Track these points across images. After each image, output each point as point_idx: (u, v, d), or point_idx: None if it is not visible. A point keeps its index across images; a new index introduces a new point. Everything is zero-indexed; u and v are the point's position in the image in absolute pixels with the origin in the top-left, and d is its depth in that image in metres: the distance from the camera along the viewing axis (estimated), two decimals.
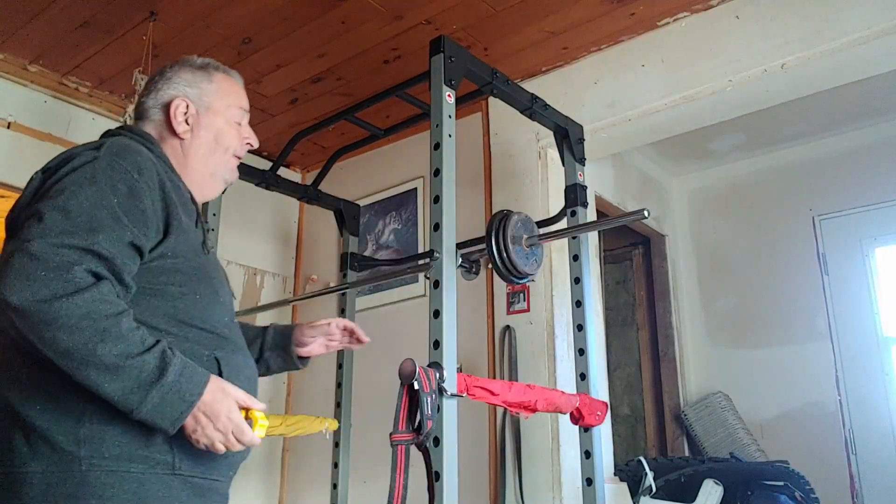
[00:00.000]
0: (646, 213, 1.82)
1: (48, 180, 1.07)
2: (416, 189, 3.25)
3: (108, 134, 1.25)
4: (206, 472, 1.08)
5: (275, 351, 1.46)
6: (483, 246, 1.98)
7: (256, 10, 2.49)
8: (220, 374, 1.09)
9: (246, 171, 2.54)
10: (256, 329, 1.49)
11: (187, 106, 1.27)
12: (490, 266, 2.05)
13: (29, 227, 0.98)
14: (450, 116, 1.77)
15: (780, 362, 3.55)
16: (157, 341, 0.99)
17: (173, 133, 1.27)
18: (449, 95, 1.79)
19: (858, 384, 3.32)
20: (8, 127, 2.91)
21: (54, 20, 2.56)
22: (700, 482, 2.75)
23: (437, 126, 1.76)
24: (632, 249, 4.20)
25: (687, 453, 3.66)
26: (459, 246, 1.76)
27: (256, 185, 2.62)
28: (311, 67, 2.85)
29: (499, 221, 1.95)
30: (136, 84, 2.43)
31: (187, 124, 1.27)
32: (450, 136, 1.76)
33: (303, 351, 1.48)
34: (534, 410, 1.76)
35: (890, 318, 3.34)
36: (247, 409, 1.06)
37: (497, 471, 2.63)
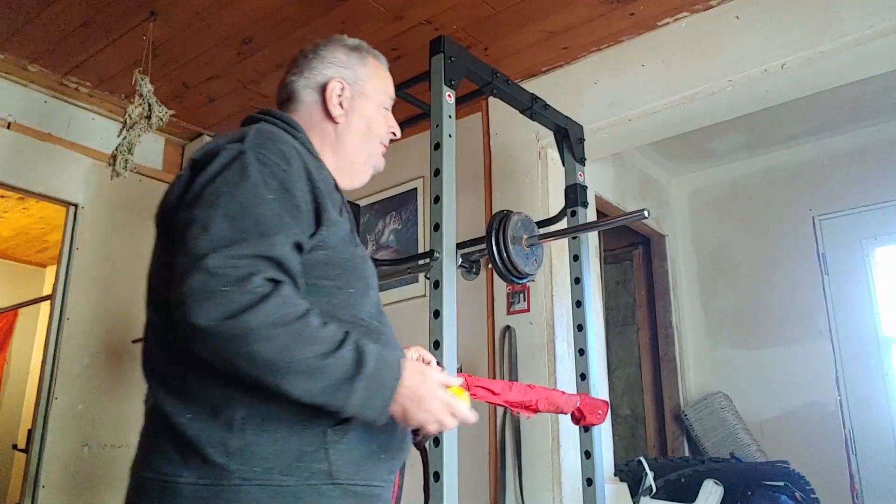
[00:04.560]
0: (646, 213, 1.82)
1: (197, 178, 0.98)
2: (416, 189, 3.25)
3: (249, 120, 1.16)
4: (366, 479, 0.99)
5: None
6: (483, 246, 1.98)
7: (256, 10, 2.48)
8: None
9: None
10: None
11: (342, 88, 1.20)
12: (490, 266, 2.05)
13: (195, 238, 0.91)
14: (450, 116, 1.77)
15: (780, 362, 3.55)
16: (346, 333, 0.94)
17: (327, 116, 1.19)
18: (449, 95, 1.79)
19: (858, 384, 3.32)
20: (8, 127, 2.91)
21: (54, 20, 2.56)
22: (700, 482, 2.75)
23: (437, 126, 1.76)
24: (632, 249, 4.19)
25: (687, 453, 3.66)
26: (459, 246, 1.76)
27: None
28: None
29: (499, 221, 1.95)
30: (136, 84, 2.43)
31: (341, 108, 1.19)
32: (450, 136, 1.76)
33: None
34: (535, 411, 1.76)
35: (890, 317, 3.34)
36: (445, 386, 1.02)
37: (497, 471, 2.63)
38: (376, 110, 1.24)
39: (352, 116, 1.20)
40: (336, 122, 1.20)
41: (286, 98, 1.22)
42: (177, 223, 0.96)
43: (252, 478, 0.90)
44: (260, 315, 0.87)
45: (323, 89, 1.19)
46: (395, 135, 1.28)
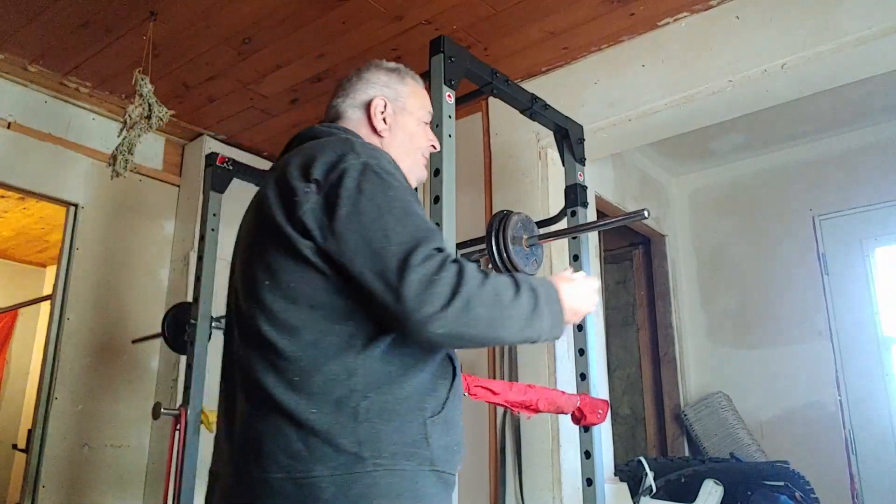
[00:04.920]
0: (646, 213, 1.81)
1: (338, 193, 1.01)
2: (416, 189, 3.25)
3: (311, 131, 1.23)
4: (451, 469, 1.08)
5: None
6: (483, 246, 1.98)
7: (256, 10, 2.48)
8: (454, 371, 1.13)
9: (246, 172, 2.55)
10: None
11: (385, 105, 1.31)
12: (490, 266, 2.05)
13: (383, 247, 0.98)
14: (450, 116, 1.77)
15: (780, 362, 3.55)
16: (510, 275, 1.08)
17: (373, 131, 1.30)
18: (449, 96, 1.79)
19: (858, 384, 3.32)
20: (8, 127, 2.91)
21: (54, 20, 2.56)
22: (700, 482, 2.75)
23: (437, 126, 1.76)
24: (632, 249, 4.19)
25: (687, 453, 3.66)
26: (459, 246, 1.76)
27: (256, 185, 2.61)
28: (311, 67, 2.84)
29: (499, 221, 1.94)
30: (136, 84, 2.43)
31: (385, 123, 1.30)
32: (450, 136, 1.75)
33: None
34: (536, 411, 1.76)
35: (890, 317, 3.34)
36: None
37: (497, 471, 2.63)
38: (417, 125, 1.35)
39: (395, 131, 1.31)
40: (381, 137, 1.30)
41: (334, 118, 1.33)
42: (336, 235, 1.00)
43: (383, 464, 0.97)
44: (469, 287, 0.98)
45: (367, 107, 1.30)
46: (434, 147, 1.39)
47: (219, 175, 2.45)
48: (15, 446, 4.75)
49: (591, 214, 3.03)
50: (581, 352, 2.09)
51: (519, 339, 1.06)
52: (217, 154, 2.47)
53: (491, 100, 3.02)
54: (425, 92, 1.41)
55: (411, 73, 1.40)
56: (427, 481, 1.01)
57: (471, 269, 1.01)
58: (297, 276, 1.02)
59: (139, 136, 2.45)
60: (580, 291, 1.20)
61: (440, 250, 1.01)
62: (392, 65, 1.38)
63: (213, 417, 2.20)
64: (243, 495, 0.99)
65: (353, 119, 1.30)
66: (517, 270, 1.92)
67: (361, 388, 1.00)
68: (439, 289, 0.96)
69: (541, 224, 2.16)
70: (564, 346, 2.67)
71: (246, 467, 1.00)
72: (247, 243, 1.14)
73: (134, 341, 3.11)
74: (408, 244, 0.98)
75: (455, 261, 1.01)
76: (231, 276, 1.20)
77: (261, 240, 1.09)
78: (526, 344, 1.11)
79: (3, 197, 4.07)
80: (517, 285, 1.05)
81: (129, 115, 2.41)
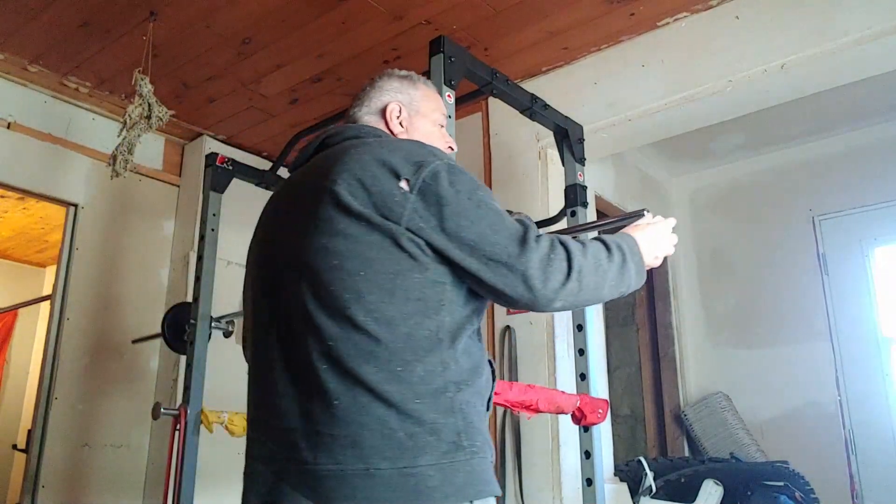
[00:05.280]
0: (646, 213, 1.81)
1: (432, 195, 1.07)
2: None
3: (358, 133, 1.26)
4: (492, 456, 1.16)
5: None
6: None
7: (256, 11, 2.49)
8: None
9: (246, 172, 2.55)
10: None
11: (400, 109, 1.34)
12: None
13: (497, 239, 1.07)
14: (450, 117, 1.77)
15: (780, 362, 3.55)
16: (598, 238, 1.20)
17: (391, 135, 1.33)
18: (449, 96, 1.79)
19: (858, 384, 3.32)
20: (8, 127, 2.91)
21: (54, 20, 2.56)
22: (700, 482, 2.75)
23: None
24: None
25: (687, 454, 3.66)
26: None
27: (256, 185, 2.62)
28: (311, 67, 2.85)
29: None
30: (136, 84, 2.43)
31: (402, 126, 1.34)
32: (450, 136, 1.75)
33: None
34: (536, 411, 1.76)
35: (889, 317, 3.34)
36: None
37: (497, 471, 2.63)
38: (432, 126, 1.38)
39: (412, 133, 1.34)
40: None
41: (358, 120, 1.36)
42: (448, 233, 1.07)
43: (477, 452, 1.04)
44: (578, 260, 1.10)
45: (383, 112, 1.34)
46: (452, 149, 1.42)
47: (219, 175, 2.45)
48: (15, 446, 4.75)
49: (591, 214, 3.03)
50: (581, 352, 2.09)
51: (615, 295, 1.18)
52: (217, 154, 2.47)
53: (491, 100, 3.02)
54: (438, 96, 1.44)
55: (423, 78, 1.43)
56: (491, 468, 1.10)
57: (571, 242, 1.13)
58: (395, 270, 1.05)
59: (139, 136, 2.44)
60: (657, 236, 1.33)
61: (538, 234, 1.12)
62: (404, 72, 1.41)
63: (213, 417, 2.20)
64: (338, 489, 0.97)
65: (372, 124, 1.34)
66: None
67: (454, 381, 1.05)
68: (557, 265, 1.08)
69: (541, 224, 2.16)
70: (564, 346, 2.67)
71: (341, 459, 0.98)
72: (308, 232, 1.10)
73: (134, 341, 3.11)
74: (516, 234, 1.08)
75: (558, 239, 1.13)
76: (265, 269, 1.20)
77: (342, 231, 1.06)
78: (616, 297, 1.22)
79: (3, 197, 4.07)
80: (607, 247, 1.17)
81: (129, 115, 2.41)
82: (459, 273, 1.08)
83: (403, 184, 1.08)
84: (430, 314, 1.06)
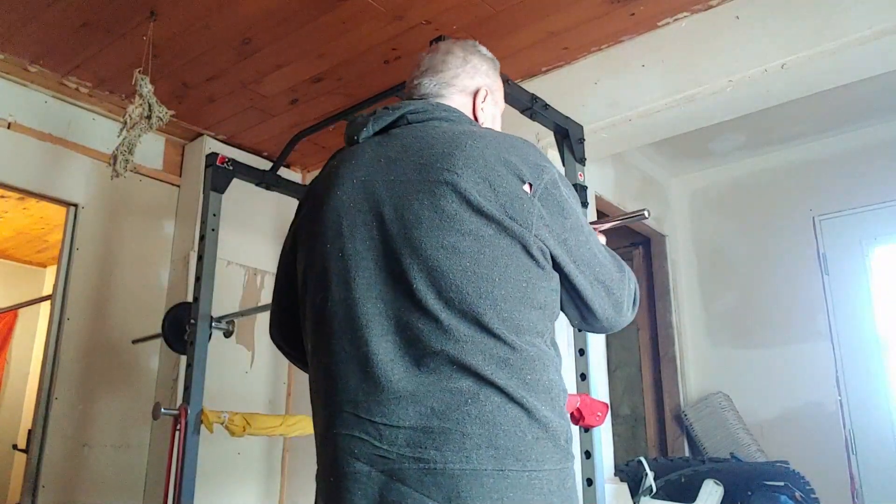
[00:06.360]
0: (646, 214, 1.81)
1: (552, 204, 1.08)
2: None
3: (450, 117, 1.19)
4: None
5: None
6: None
7: (256, 11, 2.48)
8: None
9: (246, 172, 2.55)
10: None
11: (486, 95, 1.30)
12: None
13: (602, 261, 1.14)
14: None
15: (780, 362, 3.55)
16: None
17: (473, 120, 1.28)
18: None
19: (858, 384, 3.32)
20: (8, 127, 2.91)
21: (54, 20, 2.56)
22: (700, 482, 2.75)
23: None
24: (632, 249, 4.20)
25: (687, 453, 3.66)
26: None
27: (257, 185, 2.62)
28: (311, 67, 2.84)
29: None
30: (136, 84, 2.43)
31: (484, 112, 1.30)
32: None
33: None
34: None
35: (890, 318, 3.34)
36: None
37: None
38: (499, 115, 1.37)
39: (489, 122, 1.31)
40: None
41: (433, 95, 1.27)
42: (565, 245, 1.09)
43: (574, 457, 1.06)
44: (636, 287, 1.21)
45: (475, 95, 1.29)
46: None
47: (219, 175, 2.45)
48: (15, 446, 4.75)
49: (591, 214, 3.03)
50: (581, 352, 2.09)
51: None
52: (217, 154, 2.47)
53: None
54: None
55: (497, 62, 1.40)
56: None
57: (627, 268, 1.21)
58: (526, 277, 1.04)
59: (139, 136, 2.44)
60: None
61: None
62: (488, 52, 1.35)
63: (213, 417, 2.20)
64: (471, 489, 0.93)
65: (457, 104, 1.26)
66: None
67: (562, 388, 1.08)
68: (636, 296, 1.19)
69: None
70: (564, 346, 2.67)
71: (474, 458, 0.95)
72: (432, 226, 1.03)
73: (134, 341, 3.11)
74: (617, 258, 1.19)
75: (628, 267, 1.22)
76: (348, 261, 1.08)
77: (472, 232, 1.02)
78: None
79: (3, 197, 4.07)
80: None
81: (129, 115, 2.41)
82: (565, 285, 1.11)
83: (527, 187, 1.06)
84: (548, 322, 1.09)
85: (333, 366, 1.06)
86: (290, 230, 1.27)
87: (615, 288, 1.14)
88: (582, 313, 1.15)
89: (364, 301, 1.04)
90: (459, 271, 1.01)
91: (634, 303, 1.19)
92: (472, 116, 1.27)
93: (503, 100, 1.39)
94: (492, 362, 0.99)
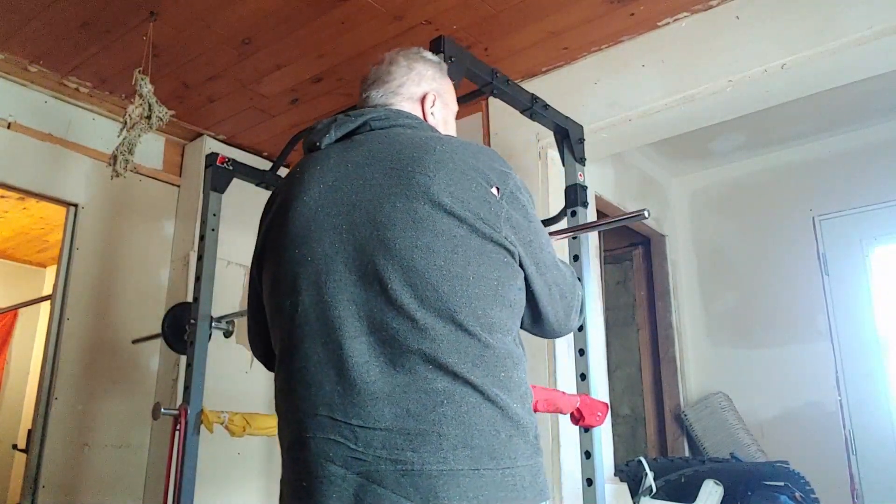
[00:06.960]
0: (646, 214, 1.82)
1: (517, 208, 1.13)
2: None
3: (412, 123, 1.21)
4: None
5: None
6: None
7: (256, 10, 2.48)
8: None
9: (246, 172, 2.55)
10: None
11: (434, 99, 1.32)
12: None
13: (560, 275, 1.21)
14: None
15: (780, 362, 3.55)
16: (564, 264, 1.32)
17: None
18: None
19: (858, 384, 3.32)
20: (8, 127, 2.91)
21: (54, 20, 2.56)
22: (700, 482, 2.75)
23: None
24: (632, 249, 4.19)
25: (687, 454, 3.66)
26: None
27: (256, 185, 2.62)
28: (311, 67, 2.85)
29: None
30: (136, 84, 2.43)
31: (433, 116, 1.32)
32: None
33: None
34: (535, 411, 1.76)
35: (890, 318, 3.34)
36: None
37: None
38: (452, 118, 1.39)
39: (440, 125, 1.33)
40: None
41: (384, 105, 1.29)
42: (528, 246, 1.13)
43: (541, 452, 1.08)
44: (582, 296, 1.29)
45: (422, 101, 1.31)
46: None
47: (219, 175, 2.45)
48: (15, 446, 4.75)
49: (591, 214, 3.03)
50: (581, 352, 2.09)
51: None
52: (217, 154, 2.47)
53: (491, 100, 3.02)
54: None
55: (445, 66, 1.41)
56: None
57: (576, 278, 1.27)
58: (497, 276, 1.07)
59: (139, 136, 2.44)
60: None
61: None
62: (433, 57, 1.37)
63: (213, 417, 2.20)
64: (448, 489, 0.94)
65: (407, 111, 1.28)
66: None
67: (528, 388, 1.10)
68: (581, 305, 1.26)
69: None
70: (564, 346, 2.67)
71: (450, 458, 0.96)
72: (403, 226, 1.04)
73: (134, 341, 3.11)
74: (571, 268, 1.27)
75: (573, 272, 1.27)
76: (323, 261, 1.08)
77: (445, 232, 1.04)
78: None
79: (3, 197, 4.07)
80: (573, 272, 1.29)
81: (129, 115, 2.41)
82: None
83: (494, 191, 1.10)
84: (516, 320, 1.12)
85: (306, 370, 1.05)
86: (255, 246, 1.23)
87: (568, 293, 1.21)
88: (534, 316, 1.18)
89: (335, 304, 1.05)
90: (435, 270, 1.02)
91: (581, 311, 1.26)
92: (421, 119, 1.29)
93: (454, 102, 1.40)
94: (467, 360, 1.01)
